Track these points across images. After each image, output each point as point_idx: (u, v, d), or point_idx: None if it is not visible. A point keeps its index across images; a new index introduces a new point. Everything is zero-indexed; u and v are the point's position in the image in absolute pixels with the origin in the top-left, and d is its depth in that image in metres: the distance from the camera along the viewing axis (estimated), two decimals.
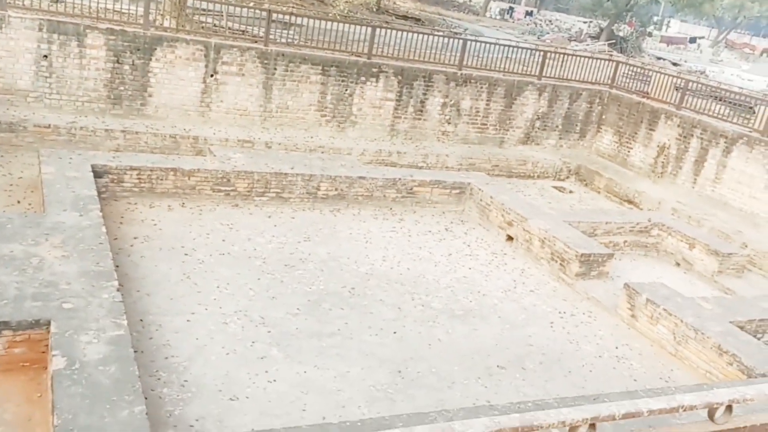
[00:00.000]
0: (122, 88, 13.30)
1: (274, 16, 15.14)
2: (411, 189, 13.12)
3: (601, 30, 44.35)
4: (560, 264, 11.09)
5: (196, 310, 8.17)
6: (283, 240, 10.66)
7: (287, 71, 14.50)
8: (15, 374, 6.23)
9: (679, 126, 16.24)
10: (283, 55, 14.43)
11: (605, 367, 8.75)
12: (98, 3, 13.25)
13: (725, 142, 15.17)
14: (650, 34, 53.13)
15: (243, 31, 16.28)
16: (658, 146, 16.69)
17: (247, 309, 8.43)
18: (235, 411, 6.55)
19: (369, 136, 15.59)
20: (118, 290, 7.13)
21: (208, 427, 6.24)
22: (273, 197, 11.97)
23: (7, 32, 12.27)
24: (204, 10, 16.73)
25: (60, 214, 8.65)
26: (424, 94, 16.00)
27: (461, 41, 16.88)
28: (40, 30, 12.48)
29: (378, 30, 15.74)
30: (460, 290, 10.12)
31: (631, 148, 17.43)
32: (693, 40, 61.56)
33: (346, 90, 15.16)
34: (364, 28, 16.02)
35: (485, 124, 16.97)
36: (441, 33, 21.10)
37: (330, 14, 22.07)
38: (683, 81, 17.54)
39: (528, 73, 17.65)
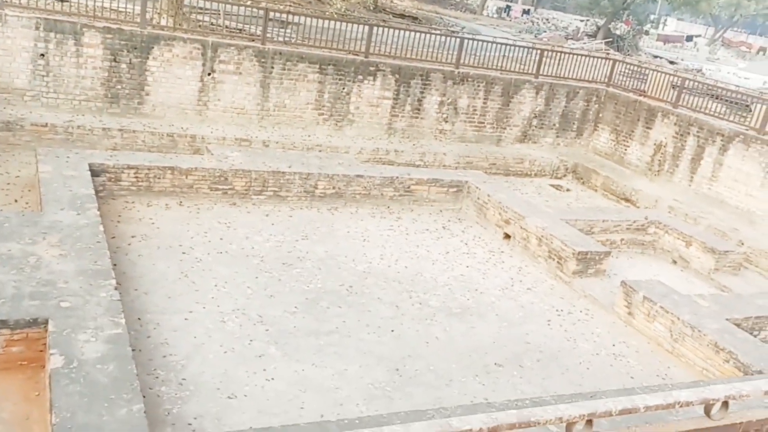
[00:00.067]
0: (119, 86, 13.28)
1: (272, 14, 15.13)
2: (408, 187, 13.13)
3: (598, 28, 44.39)
4: (557, 262, 11.11)
5: (194, 308, 8.18)
6: (281, 238, 10.67)
7: (284, 70, 14.50)
8: (13, 373, 6.23)
9: (675, 124, 16.27)
10: (280, 53, 14.42)
11: (602, 364, 8.77)
12: (95, 1, 13.23)
13: (722, 140, 15.20)
14: (647, 33, 53.19)
15: (240, 29, 16.26)
16: (654, 144, 16.72)
17: (245, 307, 8.43)
18: (233, 409, 6.56)
19: (366, 135, 15.60)
20: (115, 289, 7.13)
21: (206, 426, 6.25)
22: (270, 196, 11.98)
23: (3, 31, 12.25)
24: (201, 8, 16.71)
25: (57, 213, 8.65)
26: (422, 92, 16.00)
27: (458, 40, 16.89)
28: (37, 29, 12.46)
29: (375, 28, 15.75)
30: (457, 288, 10.14)
31: (628, 147, 17.46)
32: (690, 38, 61.65)
33: (344, 88, 15.16)
34: (361, 26, 16.02)
35: (482, 123, 16.98)
36: (438, 31, 21.10)
37: (327, 13, 22.06)
38: (680, 79, 17.56)
39: (525, 71, 17.67)
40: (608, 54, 26.65)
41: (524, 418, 2.49)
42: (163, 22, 14.58)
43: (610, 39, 41.08)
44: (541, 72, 17.60)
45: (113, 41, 13.00)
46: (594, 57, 19.41)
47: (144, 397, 5.71)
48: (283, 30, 15.97)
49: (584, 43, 36.82)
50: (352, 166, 13.18)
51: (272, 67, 14.36)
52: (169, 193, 11.21)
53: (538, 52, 18.10)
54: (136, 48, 13.18)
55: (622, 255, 12.60)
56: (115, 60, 13.11)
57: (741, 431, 3.10)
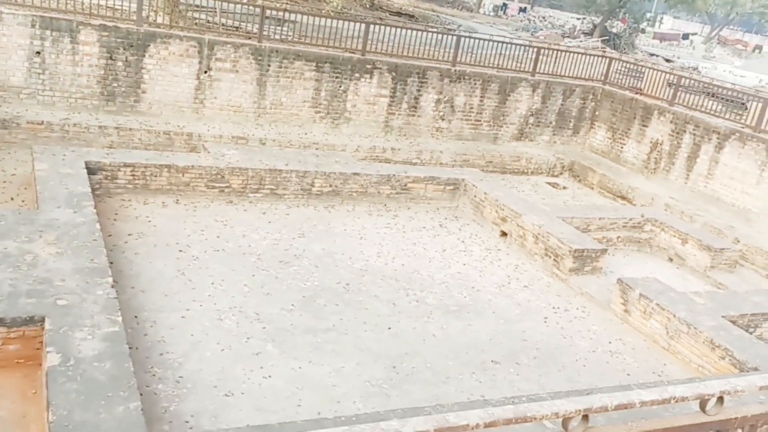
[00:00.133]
0: (115, 84, 13.26)
1: (268, 12, 15.11)
2: (405, 185, 13.14)
3: (595, 26, 44.46)
4: (554, 260, 11.13)
5: (191, 306, 8.18)
6: (278, 236, 10.67)
7: (281, 68, 14.49)
8: (10, 371, 6.23)
9: (671, 122, 16.31)
10: (276, 51, 14.41)
11: (599, 361, 8.80)
12: None
13: (717, 138, 15.24)
14: (643, 31, 53.25)
15: (236, 27, 16.26)
16: (651, 142, 16.75)
17: (242, 305, 8.44)
18: (231, 407, 6.57)
19: (363, 133, 15.60)
20: (112, 287, 7.12)
21: (204, 423, 6.25)
22: (267, 194, 11.98)
23: None
24: (197, 6, 16.70)
25: (54, 211, 8.64)
26: (418, 90, 16.01)
27: (455, 38, 16.91)
28: (33, 26, 12.43)
29: (372, 26, 15.75)
30: (454, 286, 10.16)
31: (624, 144, 17.49)
32: (686, 36, 61.80)
33: (340, 86, 15.16)
34: (357, 24, 16.01)
35: (479, 121, 17.00)
36: (435, 29, 21.10)
37: (324, 10, 22.04)
38: (676, 77, 17.61)
39: (521, 69, 17.70)
40: (605, 52, 26.69)
41: (521, 413, 2.50)
42: (159, 20, 14.56)
43: (607, 37, 41.15)
44: (537, 70, 17.63)
45: (109, 39, 12.97)
46: (590, 55, 19.45)
47: (141, 394, 5.71)
48: (279, 28, 15.97)
49: (581, 41, 36.87)
50: (349, 164, 13.18)
51: (269, 65, 14.35)
52: (166, 191, 11.21)
53: (535, 50, 18.12)
54: (132, 46, 13.16)
55: (618, 252, 12.63)
56: (111, 58, 13.09)
57: (736, 426, 3.11)
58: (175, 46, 13.47)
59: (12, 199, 10.00)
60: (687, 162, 15.87)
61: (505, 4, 57.48)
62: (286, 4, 22.50)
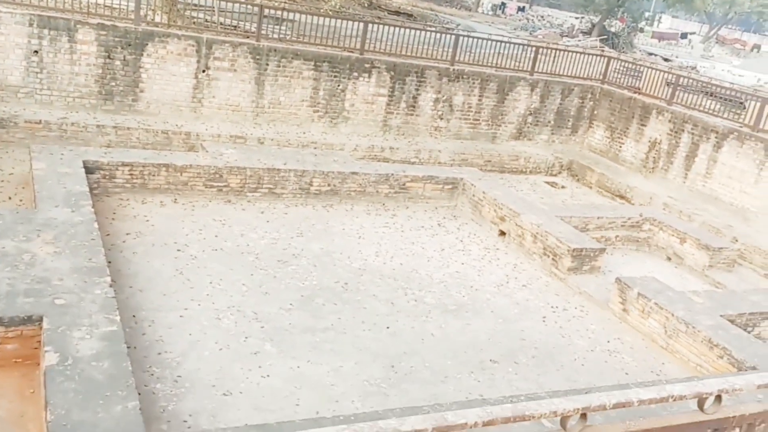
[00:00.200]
0: (113, 83, 13.25)
1: (266, 11, 15.09)
2: (404, 184, 13.13)
3: (593, 26, 44.49)
4: (552, 259, 11.13)
5: (189, 305, 8.17)
6: (276, 236, 10.67)
7: (279, 67, 14.47)
8: (7, 370, 6.22)
9: (670, 121, 16.32)
10: (275, 50, 14.40)
11: (597, 360, 8.80)
12: None
13: (716, 137, 15.25)
14: (641, 30, 53.31)
15: (235, 26, 16.25)
16: (649, 141, 16.76)
17: (240, 304, 8.43)
18: (229, 406, 6.56)
19: (361, 132, 15.59)
20: (110, 286, 7.12)
21: (202, 422, 6.25)
22: (266, 193, 11.97)
23: None
24: (195, 5, 16.68)
25: (51, 210, 8.62)
26: (417, 89, 16.01)
27: (453, 37, 16.90)
28: (31, 25, 12.41)
29: (370, 25, 15.74)
30: (452, 285, 10.15)
31: (623, 144, 17.50)
32: (684, 35, 61.84)
33: (339, 85, 15.15)
34: (356, 23, 16.00)
35: (477, 120, 17.00)
36: (433, 28, 21.09)
37: (322, 10, 22.03)
38: (674, 76, 17.62)
39: (520, 68, 17.69)
40: (603, 51, 26.70)
41: (519, 412, 2.50)
42: (157, 19, 14.55)
43: (605, 36, 41.18)
44: (536, 69, 17.62)
45: (107, 38, 12.96)
46: (589, 54, 19.45)
47: (139, 394, 5.70)
48: (277, 27, 15.96)
49: (579, 41, 36.89)
50: (348, 164, 13.18)
51: (267, 64, 14.34)
52: (164, 190, 11.19)
53: (533, 49, 18.12)
54: (130, 45, 13.14)
55: (616, 252, 12.64)
56: (109, 57, 13.07)
57: (734, 425, 3.12)
58: (173, 45, 13.45)
59: (10, 198, 9.99)
60: (685, 161, 15.88)
61: (503, 3, 57.50)
62: (285, 3, 22.48)
